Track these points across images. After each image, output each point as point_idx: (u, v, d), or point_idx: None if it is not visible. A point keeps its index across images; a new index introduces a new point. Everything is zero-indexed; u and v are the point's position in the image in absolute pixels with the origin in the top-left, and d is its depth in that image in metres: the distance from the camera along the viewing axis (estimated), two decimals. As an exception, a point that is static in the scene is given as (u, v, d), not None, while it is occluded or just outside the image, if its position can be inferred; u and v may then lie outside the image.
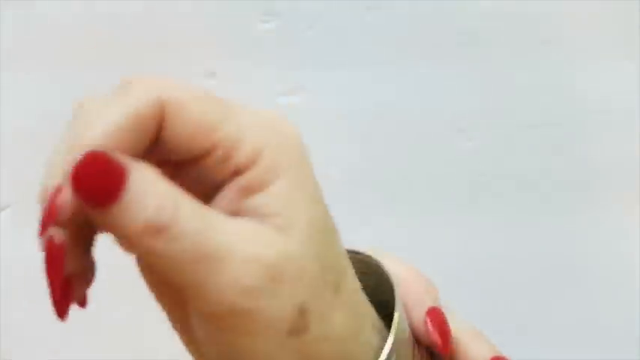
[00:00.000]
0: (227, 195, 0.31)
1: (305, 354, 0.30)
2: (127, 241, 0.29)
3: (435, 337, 0.36)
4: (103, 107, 0.31)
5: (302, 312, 0.30)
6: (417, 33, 0.76)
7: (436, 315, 0.37)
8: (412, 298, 0.36)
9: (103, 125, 0.30)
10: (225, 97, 0.31)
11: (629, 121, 0.72)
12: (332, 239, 0.32)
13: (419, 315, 0.36)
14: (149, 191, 0.29)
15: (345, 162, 0.77)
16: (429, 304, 0.37)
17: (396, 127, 0.77)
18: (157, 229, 0.28)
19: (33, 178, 0.73)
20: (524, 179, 0.71)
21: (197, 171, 0.31)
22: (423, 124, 0.77)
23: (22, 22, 0.70)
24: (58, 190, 0.30)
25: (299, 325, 0.30)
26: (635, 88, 0.71)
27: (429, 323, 0.36)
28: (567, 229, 0.71)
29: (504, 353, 0.56)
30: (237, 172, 0.31)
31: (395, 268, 0.37)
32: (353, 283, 0.33)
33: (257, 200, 0.31)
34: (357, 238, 0.57)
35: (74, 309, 0.47)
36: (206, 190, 0.31)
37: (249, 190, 0.31)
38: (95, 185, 0.28)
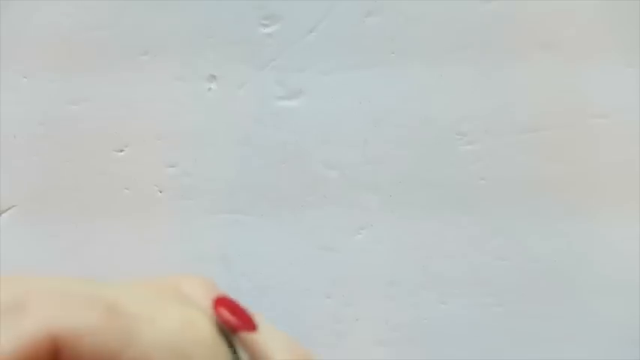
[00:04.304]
0: None
1: None
2: None
3: (235, 322, 0.35)
4: None
5: None
6: (417, 37, 0.76)
7: (223, 302, 0.36)
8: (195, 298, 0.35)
9: None
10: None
11: (629, 125, 0.72)
12: None
13: (209, 311, 0.35)
14: None
15: (344, 166, 0.77)
16: (211, 296, 0.36)
17: (395, 131, 0.77)
18: None
19: (34, 180, 0.73)
20: (524, 183, 0.72)
21: None
22: (422, 128, 0.77)
23: (22, 24, 0.70)
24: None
25: None
26: (635, 91, 0.71)
27: (223, 312, 0.35)
28: (567, 233, 0.71)
29: (504, 354, 0.56)
30: None
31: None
32: None
33: None
34: (357, 240, 0.57)
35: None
36: None
37: None
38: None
